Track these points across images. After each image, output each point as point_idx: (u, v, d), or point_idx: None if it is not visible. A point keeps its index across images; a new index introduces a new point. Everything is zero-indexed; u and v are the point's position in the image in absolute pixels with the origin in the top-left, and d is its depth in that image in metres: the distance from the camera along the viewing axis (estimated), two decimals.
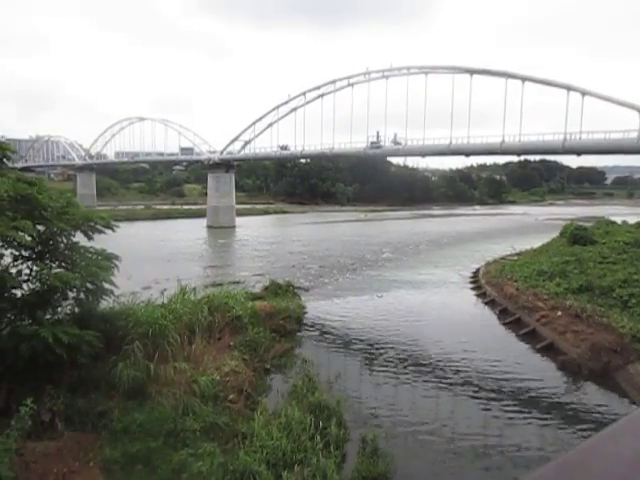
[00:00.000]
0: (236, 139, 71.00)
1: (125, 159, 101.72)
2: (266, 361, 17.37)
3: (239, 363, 15.67)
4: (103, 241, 14.85)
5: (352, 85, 59.27)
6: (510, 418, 14.48)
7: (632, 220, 43.78)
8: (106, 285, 13.48)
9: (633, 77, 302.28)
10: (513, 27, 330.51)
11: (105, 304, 14.85)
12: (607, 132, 39.63)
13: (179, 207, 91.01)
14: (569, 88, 41.33)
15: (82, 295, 13.17)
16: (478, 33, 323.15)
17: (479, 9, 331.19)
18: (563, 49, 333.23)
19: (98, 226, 14.33)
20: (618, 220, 44.83)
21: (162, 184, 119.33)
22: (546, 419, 14.56)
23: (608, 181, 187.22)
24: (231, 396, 13.58)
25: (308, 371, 16.41)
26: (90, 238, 14.36)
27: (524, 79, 44.40)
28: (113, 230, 14.90)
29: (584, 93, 40.33)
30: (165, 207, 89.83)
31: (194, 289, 20.31)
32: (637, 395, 15.81)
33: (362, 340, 21.43)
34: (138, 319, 14.40)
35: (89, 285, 13.01)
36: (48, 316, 12.56)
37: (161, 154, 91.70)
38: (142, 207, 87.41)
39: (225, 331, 18.31)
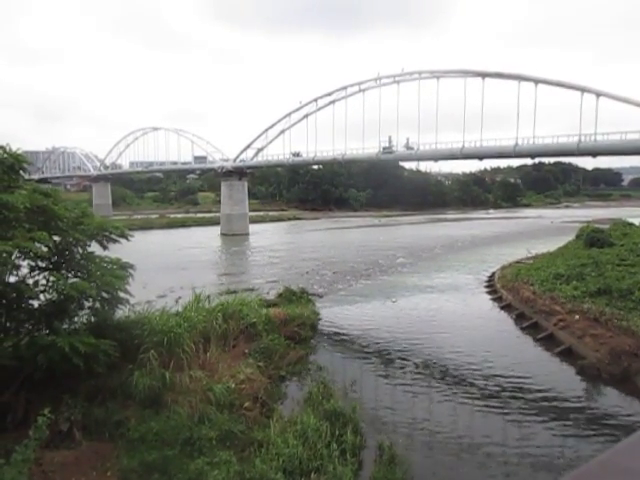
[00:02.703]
0: (248, 147, 71.37)
1: (139, 169, 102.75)
2: (281, 368, 17.34)
3: (254, 370, 15.65)
4: (118, 250, 14.98)
5: (363, 91, 59.34)
6: (529, 424, 14.27)
7: None
8: (121, 294, 13.56)
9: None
10: (524, 29, 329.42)
11: (121, 313, 14.95)
12: (623, 133, 39.19)
13: (193, 215, 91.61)
14: (583, 90, 40.96)
15: (98, 304, 13.26)
16: (489, 37, 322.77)
17: (490, 13, 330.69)
18: (574, 52, 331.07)
19: (113, 236, 14.45)
20: (636, 222, 44.24)
21: (176, 193, 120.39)
22: (566, 425, 14.32)
23: (625, 182, 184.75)
24: (246, 404, 13.56)
25: (323, 378, 16.34)
26: (105, 248, 14.48)
27: (537, 81, 44.09)
28: (128, 239, 15.01)
29: (599, 94, 39.94)
30: (179, 215, 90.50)
31: (208, 297, 20.39)
32: None
33: (377, 346, 21.31)
34: (153, 328, 14.46)
35: (105, 294, 13.10)
36: (65, 326, 12.66)
37: (175, 163, 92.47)
38: (156, 216, 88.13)
39: (240, 338, 18.32)
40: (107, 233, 14.28)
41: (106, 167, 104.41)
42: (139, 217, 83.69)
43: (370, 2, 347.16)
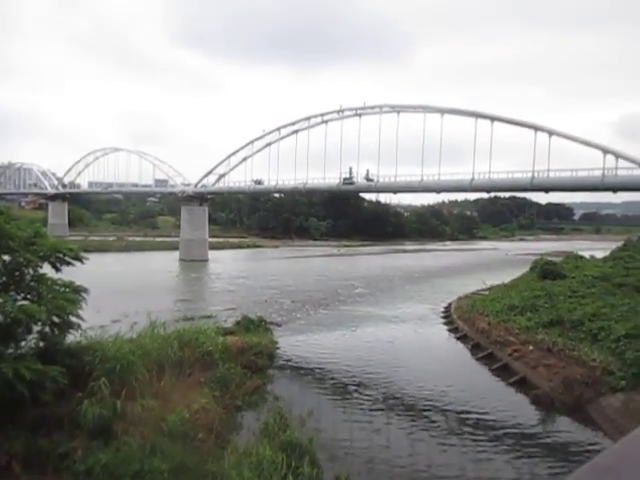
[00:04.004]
0: (210, 172, 71.06)
1: (98, 189, 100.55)
2: (237, 398, 16.95)
3: (209, 400, 15.25)
4: (72, 273, 14.49)
5: (326, 122, 60.23)
6: (485, 453, 14.35)
7: (600, 255, 44.89)
8: (73, 318, 13.08)
9: (596, 118, 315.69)
10: (487, 68, 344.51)
11: (71, 338, 14.38)
12: (574, 170, 40.81)
13: (152, 239, 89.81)
14: (536, 128, 42.70)
15: (47, 329, 12.74)
16: (452, 74, 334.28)
17: (453, 53, 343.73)
18: (534, 89, 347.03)
19: (67, 258, 14.00)
20: (586, 255, 45.91)
21: (135, 215, 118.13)
22: (520, 453, 14.46)
23: (576, 217, 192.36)
24: (201, 434, 13.15)
25: (280, 408, 16.05)
26: (58, 270, 13.99)
27: (493, 119, 45.75)
28: (82, 262, 14.57)
29: (551, 133, 41.71)
30: (137, 239, 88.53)
31: (164, 323, 19.87)
32: (609, 427, 15.89)
33: (335, 377, 21.16)
34: (105, 354, 13.95)
35: (55, 318, 12.61)
36: (10, 350, 12.07)
37: (135, 185, 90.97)
38: (114, 238, 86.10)
39: (195, 367, 17.86)
40: (61, 255, 13.83)
41: (64, 186, 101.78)
42: (96, 239, 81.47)
43: (334, 38, 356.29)
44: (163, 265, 59.38)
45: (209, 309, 33.69)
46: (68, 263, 14.11)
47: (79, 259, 14.37)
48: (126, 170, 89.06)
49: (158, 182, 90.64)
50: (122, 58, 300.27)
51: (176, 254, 69.42)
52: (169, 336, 18.47)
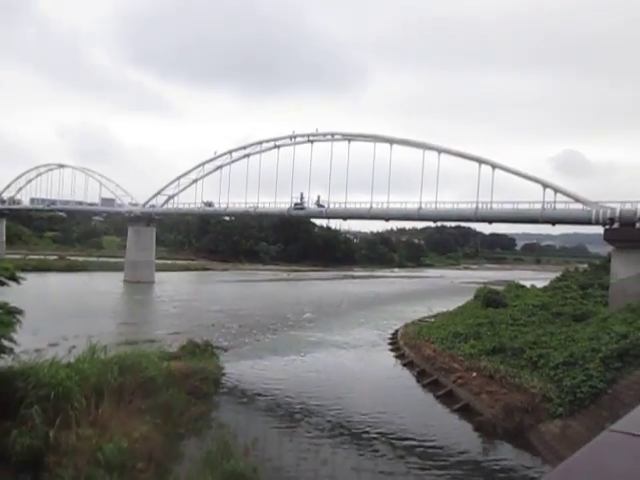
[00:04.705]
0: (159, 193, 69.84)
1: (40, 206, 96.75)
2: (180, 425, 16.43)
3: (150, 428, 14.69)
4: (7, 293, 13.79)
5: (278, 147, 60.54)
6: None
7: (539, 284, 46.62)
8: (5, 342, 12.40)
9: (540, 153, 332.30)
10: (436, 102, 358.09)
11: (2, 363, 13.60)
12: (515, 203, 42.56)
13: (96, 259, 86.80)
14: (480, 161, 44.37)
15: None
16: (402, 105, 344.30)
17: (404, 85, 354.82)
18: (485, 122, 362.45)
19: (1, 278, 13.33)
20: (527, 284, 47.57)
21: (79, 234, 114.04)
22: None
23: (518, 247, 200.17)
24: (140, 464, 12.62)
25: (224, 436, 15.64)
26: None
27: (440, 151, 47.23)
28: (18, 282, 13.92)
29: (494, 166, 43.41)
30: (81, 259, 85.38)
31: (105, 347, 19.09)
32: (548, 453, 16.30)
33: (282, 404, 20.88)
34: (40, 380, 13.24)
35: None
36: None
37: (80, 203, 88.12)
38: (55, 257, 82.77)
39: (137, 393, 17.20)
40: None
41: (3, 201, 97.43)
42: (35, 257, 78.04)
43: (287, 67, 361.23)
44: (107, 286, 57.47)
45: (154, 333, 32.72)
46: (2, 283, 13.43)
47: (15, 279, 13.72)
48: (71, 187, 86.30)
49: (105, 201, 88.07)
50: (70, 75, 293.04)
51: (121, 275, 67.41)
52: (110, 361, 17.74)
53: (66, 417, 13.03)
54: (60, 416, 12.87)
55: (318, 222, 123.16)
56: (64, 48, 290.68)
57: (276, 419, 19.12)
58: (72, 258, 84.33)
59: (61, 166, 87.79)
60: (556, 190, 39.48)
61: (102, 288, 55.53)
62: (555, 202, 39.56)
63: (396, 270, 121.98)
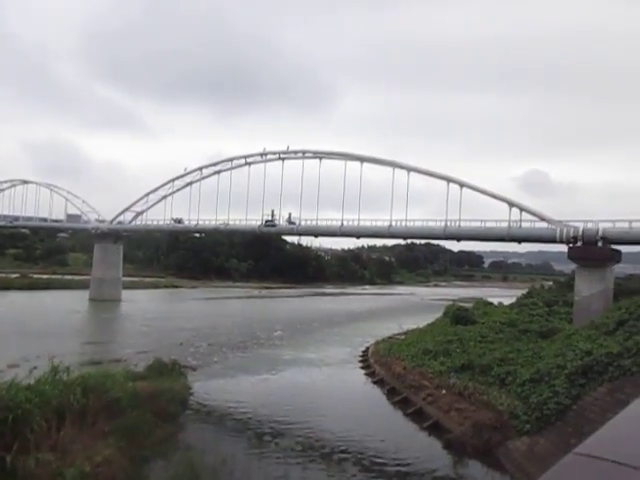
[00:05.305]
0: (127, 209, 68.83)
1: (2, 223, 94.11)
2: (145, 448, 15.98)
3: (114, 451, 14.25)
4: None
5: (249, 164, 60.48)
6: None
7: (507, 301, 47.33)
8: None
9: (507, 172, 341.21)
10: (406, 121, 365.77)
11: None
12: (483, 221, 43.34)
13: (60, 277, 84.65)
14: (448, 180, 45.13)
15: None
16: (373, 124, 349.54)
17: (375, 105, 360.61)
18: (454, 140, 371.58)
19: None
20: (495, 301, 48.26)
21: (43, 251, 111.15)
22: None
23: (486, 264, 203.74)
24: None
25: (191, 458, 15.28)
26: None
27: (409, 169, 47.91)
28: None
29: (462, 185, 44.21)
30: (44, 276, 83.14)
31: (68, 368, 18.53)
32: (516, 471, 16.41)
33: (251, 424, 20.57)
34: None
35: None
36: None
37: (44, 220, 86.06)
38: (17, 275, 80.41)
39: (101, 415, 16.70)
40: None
41: None
42: None
43: (259, 84, 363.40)
44: (72, 304, 56.00)
45: (120, 352, 31.99)
46: None
47: None
48: (35, 204, 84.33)
49: (70, 217, 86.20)
50: (37, 91, 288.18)
51: (87, 293, 65.91)
52: (73, 382, 17.20)
53: (24, 441, 12.55)
54: (18, 441, 12.39)
55: (289, 239, 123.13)
56: (30, 64, 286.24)
57: (245, 440, 18.80)
58: (35, 276, 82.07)
59: (25, 182, 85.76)
60: (522, 209, 40.39)
61: (67, 306, 54.07)
62: (521, 221, 40.45)
63: (367, 287, 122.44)
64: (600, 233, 34.26)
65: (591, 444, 1.66)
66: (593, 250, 34.09)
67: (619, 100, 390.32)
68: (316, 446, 18.44)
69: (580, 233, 35.13)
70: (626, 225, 34.64)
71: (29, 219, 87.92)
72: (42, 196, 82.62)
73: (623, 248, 36.38)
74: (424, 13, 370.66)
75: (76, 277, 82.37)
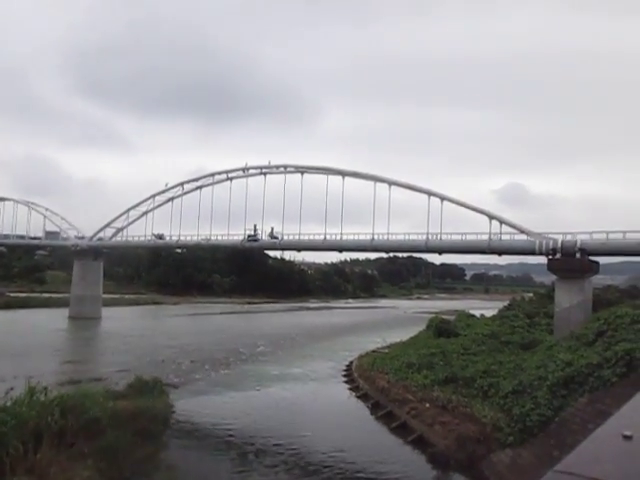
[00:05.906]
0: (107, 226, 68.14)
1: None
2: (125, 469, 15.67)
3: (93, 473, 13.97)
4: None
5: (231, 179, 60.40)
6: None
7: (488, 313, 47.67)
8: None
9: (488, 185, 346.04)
10: (387, 136, 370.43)
11: None
12: (464, 234, 43.72)
13: (38, 295, 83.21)
14: (429, 193, 45.57)
15: None
16: (355, 138, 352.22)
17: (357, 119, 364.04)
18: (436, 155, 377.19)
19: None
20: (477, 313, 48.56)
21: (20, 270, 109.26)
22: None
23: (468, 277, 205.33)
24: None
25: (173, 478, 15.04)
26: None
27: (390, 183, 48.30)
28: None
29: (443, 198, 44.64)
30: (22, 295, 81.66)
31: (46, 388, 18.16)
32: None
33: (234, 442, 20.31)
34: None
35: None
36: None
37: (22, 237, 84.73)
38: None
39: (79, 436, 16.36)
40: None
41: None
42: None
43: (240, 100, 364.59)
44: (50, 323, 54.99)
45: (100, 371, 31.46)
46: None
47: None
48: (12, 221, 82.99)
49: (49, 234, 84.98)
50: (14, 106, 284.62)
51: (66, 311, 64.84)
52: (50, 402, 16.84)
53: (0, 465, 12.24)
54: None
55: (272, 254, 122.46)
56: (9, 79, 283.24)
57: (228, 458, 18.55)
58: (12, 294, 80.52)
59: (2, 199, 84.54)
60: (501, 222, 40.87)
61: (45, 325, 53.10)
62: (501, 233, 40.89)
63: (350, 301, 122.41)
64: (578, 245, 34.77)
65: (571, 461, 1.67)
66: (572, 262, 34.54)
67: (586, 115, 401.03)
68: (301, 464, 18.25)
69: (559, 245, 35.62)
70: (603, 236, 35.19)
71: (6, 237, 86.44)
72: (20, 213, 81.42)
73: (601, 259, 36.95)
74: (408, 29, 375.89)
75: (55, 295, 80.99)
